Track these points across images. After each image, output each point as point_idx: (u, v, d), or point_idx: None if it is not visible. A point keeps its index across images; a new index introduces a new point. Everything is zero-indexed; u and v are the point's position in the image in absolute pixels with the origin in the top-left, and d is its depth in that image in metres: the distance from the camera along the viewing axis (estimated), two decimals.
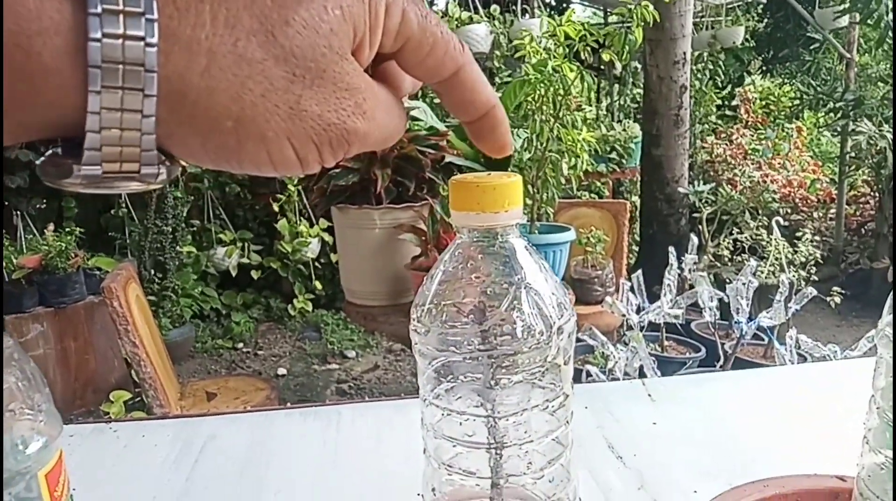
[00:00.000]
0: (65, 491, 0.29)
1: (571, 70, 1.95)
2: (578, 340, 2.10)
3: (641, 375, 1.83)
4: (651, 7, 1.95)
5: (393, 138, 0.27)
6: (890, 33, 3.52)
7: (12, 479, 0.25)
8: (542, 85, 1.98)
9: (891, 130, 3.28)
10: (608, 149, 4.29)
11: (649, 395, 0.93)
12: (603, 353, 2.08)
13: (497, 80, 3.84)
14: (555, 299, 0.32)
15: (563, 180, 2.11)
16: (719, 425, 0.85)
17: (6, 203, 2.94)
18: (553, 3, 7.36)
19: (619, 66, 2.00)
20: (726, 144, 4.21)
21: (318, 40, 0.23)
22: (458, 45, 0.27)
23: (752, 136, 4.41)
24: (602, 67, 4.73)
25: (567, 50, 1.93)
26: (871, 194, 4.36)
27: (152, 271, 3.29)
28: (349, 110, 0.24)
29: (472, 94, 0.28)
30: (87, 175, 0.21)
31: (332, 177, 1.90)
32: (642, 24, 1.90)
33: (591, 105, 5.22)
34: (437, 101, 3.93)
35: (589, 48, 1.92)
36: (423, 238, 1.90)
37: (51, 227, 2.83)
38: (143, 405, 1.94)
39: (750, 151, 4.11)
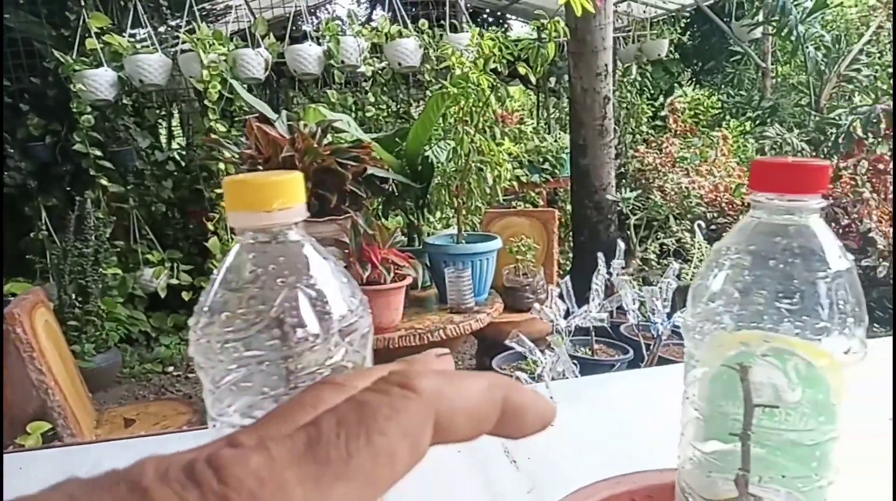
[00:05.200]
0: None
1: (487, 83, 1.97)
2: (508, 347, 2.11)
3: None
4: (562, 24, 2.01)
5: None
6: (803, 44, 3.70)
7: None
8: (461, 97, 2.00)
9: (800, 134, 3.45)
10: (541, 160, 4.36)
11: (551, 397, 0.94)
12: (534, 360, 2.10)
13: (428, 93, 3.87)
14: (340, 299, 0.31)
15: (487, 190, 2.12)
16: (617, 423, 0.86)
17: None
18: (490, 20, 7.55)
19: (533, 79, 2.05)
20: (656, 153, 4.34)
21: None
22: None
23: (681, 144, 4.56)
24: (539, 82, 4.82)
25: (484, 63, 1.96)
26: None
27: (73, 296, 3.14)
28: None
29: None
30: None
31: None
32: (556, 38, 1.95)
33: (532, 118, 5.33)
34: (367, 114, 3.92)
35: (504, 61, 1.95)
36: (347, 251, 1.88)
37: None
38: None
39: (679, 159, 4.24)
